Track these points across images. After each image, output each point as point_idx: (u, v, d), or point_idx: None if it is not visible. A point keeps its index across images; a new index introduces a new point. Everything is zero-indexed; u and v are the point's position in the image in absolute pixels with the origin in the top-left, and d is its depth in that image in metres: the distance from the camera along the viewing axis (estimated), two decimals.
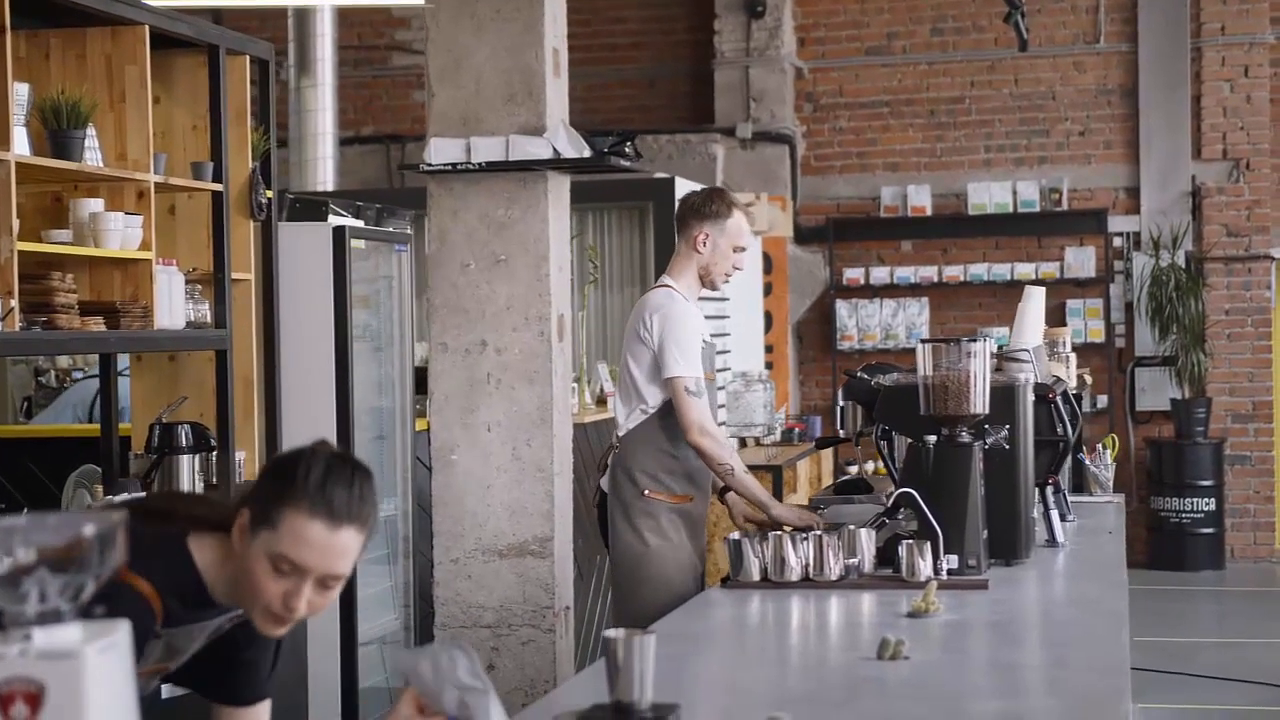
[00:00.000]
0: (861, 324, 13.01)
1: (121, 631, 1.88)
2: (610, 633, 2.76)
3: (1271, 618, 10.86)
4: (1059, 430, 5.04)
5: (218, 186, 5.84)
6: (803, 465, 9.96)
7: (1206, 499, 12.28)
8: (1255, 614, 11.01)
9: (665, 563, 5.31)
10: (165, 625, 2.78)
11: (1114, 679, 3.09)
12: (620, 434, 5.44)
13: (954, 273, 12.88)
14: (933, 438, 4.43)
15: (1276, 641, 10.06)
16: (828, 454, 10.91)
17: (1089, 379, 11.07)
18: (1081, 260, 12.71)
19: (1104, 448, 6.44)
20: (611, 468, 5.44)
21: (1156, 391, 12.65)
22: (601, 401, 8.88)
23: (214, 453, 5.83)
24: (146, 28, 5.43)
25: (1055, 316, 12.41)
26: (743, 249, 5.45)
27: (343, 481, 2.72)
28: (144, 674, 2.79)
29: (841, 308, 13.01)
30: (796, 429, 11.01)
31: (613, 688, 2.78)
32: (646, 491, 5.33)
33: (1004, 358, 5.31)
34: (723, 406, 10.22)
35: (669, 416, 5.25)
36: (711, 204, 5.44)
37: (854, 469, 10.12)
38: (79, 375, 8.58)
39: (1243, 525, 12.66)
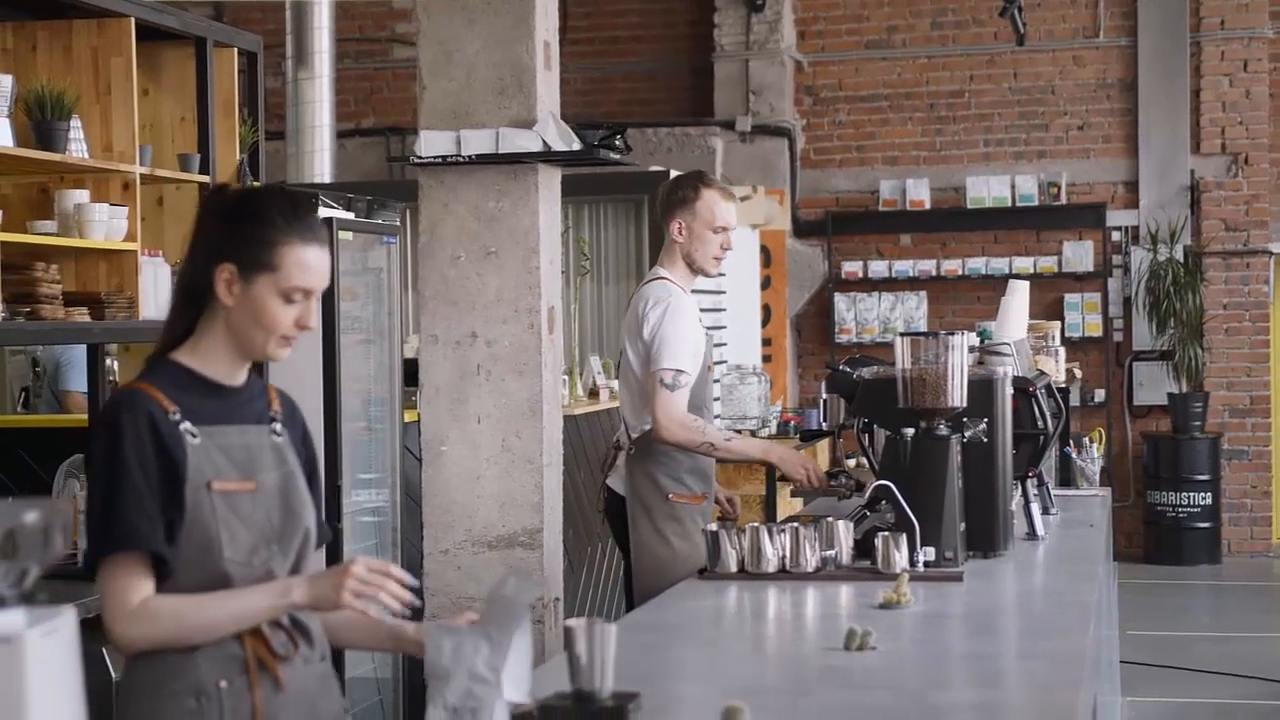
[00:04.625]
0: (860, 317, 13.01)
1: (66, 617, 1.90)
2: (570, 622, 2.78)
3: (1267, 612, 10.88)
4: (1039, 424, 5.04)
5: (205, 178, 5.86)
6: None
7: (1203, 493, 12.29)
8: (1251, 608, 11.01)
9: (690, 564, 5.25)
10: (190, 419, 2.90)
11: (1071, 670, 3.11)
12: (634, 435, 5.38)
13: (952, 266, 12.88)
14: (910, 430, 4.43)
15: (1271, 635, 10.07)
16: (825, 446, 10.90)
17: (1079, 373, 11.06)
18: (1080, 254, 12.70)
19: (1090, 441, 6.45)
20: (629, 470, 5.38)
21: (1154, 386, 12.65)
22: (594, 394, 8.90)
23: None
24: (132, 20, 5.45)
25: (1053, 310, 12.43)
26: (722, 229, 5.37)
27: (304, 205, 2.96)
28: (227, 490, 2.89)
29: (840, 301, 13.01)
30: (793, 422, 10.99)
31: (574, 677, 2.80)
32: (671, 495, 5.30)
33: (985, 351, 5.32)
34: (717, 399, 10.23)
35: None
36: (678, 190, 5.39)
37: (852, 462, 10.09)
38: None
39: (1240, 519, 12.66)
